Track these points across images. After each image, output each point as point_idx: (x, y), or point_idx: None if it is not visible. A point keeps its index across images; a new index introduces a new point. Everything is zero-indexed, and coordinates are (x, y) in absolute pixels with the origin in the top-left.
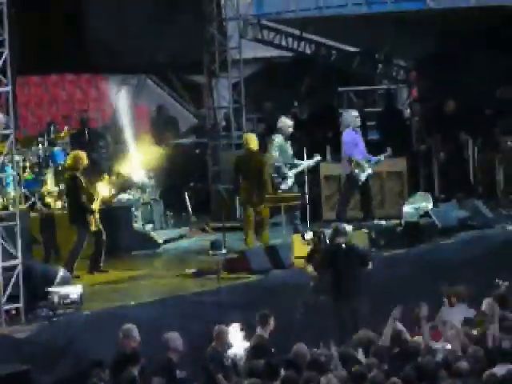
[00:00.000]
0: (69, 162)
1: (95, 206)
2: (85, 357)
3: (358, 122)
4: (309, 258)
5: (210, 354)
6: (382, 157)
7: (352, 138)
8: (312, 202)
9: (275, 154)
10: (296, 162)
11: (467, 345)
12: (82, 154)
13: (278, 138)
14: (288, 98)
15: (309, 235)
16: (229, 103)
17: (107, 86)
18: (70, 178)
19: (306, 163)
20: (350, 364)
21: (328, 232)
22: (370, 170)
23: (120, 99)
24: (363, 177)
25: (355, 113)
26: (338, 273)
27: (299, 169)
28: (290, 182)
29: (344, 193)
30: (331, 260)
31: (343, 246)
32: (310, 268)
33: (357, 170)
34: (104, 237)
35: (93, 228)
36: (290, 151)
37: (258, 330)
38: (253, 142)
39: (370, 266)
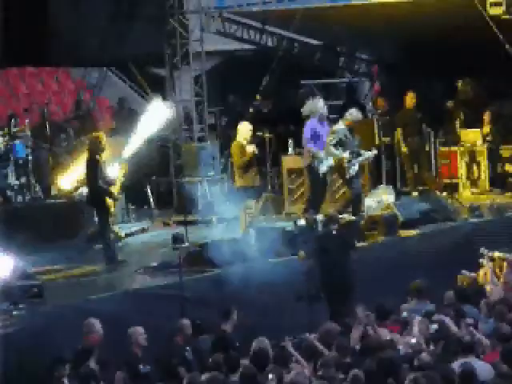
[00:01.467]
0: (88, 144)
1: (115, 189)
2: (47, 351)
3: (324, 111)
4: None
5: (172, 347)
6: (368, 154)
7: (313, 128)
8: (274, 194)
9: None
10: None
11: (429, 338)
12: (102, 135)
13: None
14: (250, 90)
15: (301, 221)
16: (191, 96)
17: (68, 79)
18: (89, 161)
19: (367, 154)
20: (313, 357)
21: (320, 219)
22: (331, 161)
23: None
24: (323, 168)
25: (321, 102)
26: (331, 258)
27: (363, 158)
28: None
29: (309, 185)
30: (324, 246)
31: (334, 232)
32: (302, 254)
33: (316, 162)
34: None
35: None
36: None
37: (222, 324)
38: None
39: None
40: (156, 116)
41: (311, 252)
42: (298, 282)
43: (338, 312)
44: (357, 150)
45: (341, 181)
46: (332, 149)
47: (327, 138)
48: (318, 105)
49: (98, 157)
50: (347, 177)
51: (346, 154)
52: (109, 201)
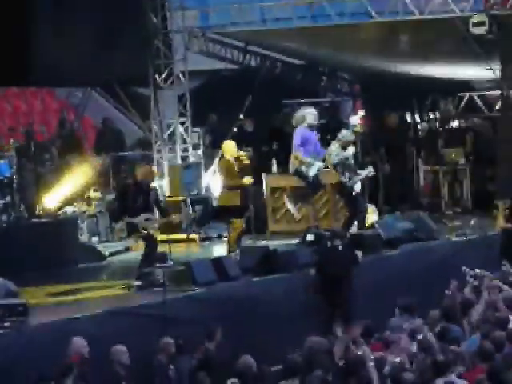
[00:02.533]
0: None
1: None
2: (30, 370)
3: (314, 119)
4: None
5: (155, 366)
6: (365, 173)
7: (302, 135)
8: (256, 214)
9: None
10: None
11: (414, 356)
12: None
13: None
14: (234, 110)
15: (310, 237)
16: (174, 115)
17: (53, 99)
18: None
19: (364, 173)
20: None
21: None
22: (320, 164)
23: None
24: (312, 173)
25: (311, 110)
26: (336, 274)
27: (359, 178)
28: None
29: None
30: (330, 260)
31: (340, 248)
32: (312, 271)
33: (303, 167)
34: None
35: None
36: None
37: (205, 343)
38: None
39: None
40: None
41: (317, 266)
42: (282, 301)
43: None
44: (354, 167)
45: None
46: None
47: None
48: (306, 113)
49: None
50: (353, 194)
51: (346, 176)
52: None
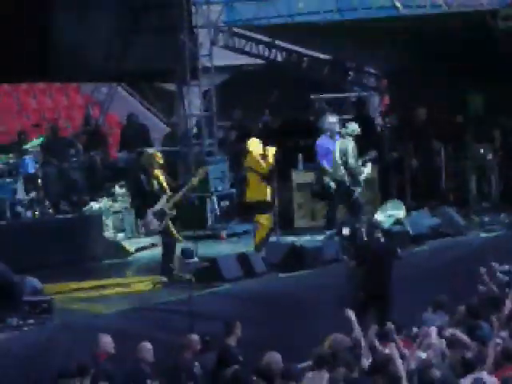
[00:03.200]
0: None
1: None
2: (56, 366)
3: (336, 128)
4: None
5: (180, 363)
6: (365, 158)
7: (322, 145)
8: (283, 209)
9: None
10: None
11: (445, 353)
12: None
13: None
14: (259, 105)
15: (346, 231)
16: (200, 111)
17: (78, 95)
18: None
19: (366, 171)
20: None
21: (363, 228)
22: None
23: None
24: (333, 184)
25: (332, 118)
26: (377, 266)
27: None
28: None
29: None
30: (372, 253)
31: (381, 239)
32: (352, 263)
33: (325, 178)
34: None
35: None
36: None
37: (226, 339)
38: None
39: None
40: None
41: (358, 259)
42: (309, 297)
43: (380, 318)
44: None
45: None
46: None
47: (336, 155)
48: (327, 121)
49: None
50: (359, 180)
51: (357, 165)
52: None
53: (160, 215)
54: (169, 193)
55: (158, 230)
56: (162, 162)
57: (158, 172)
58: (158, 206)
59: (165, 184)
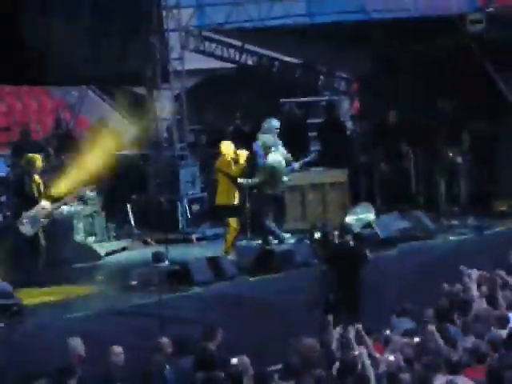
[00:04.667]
0: None
1: None
2: (25, 370)
3: (275, 130)
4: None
5: (152, 366)
6: (299, 164)
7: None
8: (252, 213)
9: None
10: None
11: (410, 356)
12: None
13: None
14: (230, 109)
15: (317, 234)
16: (171, 115)
17: (48, 98)
18: None
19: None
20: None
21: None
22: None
23: None
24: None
25: (275, 122)
26: (347, 269)
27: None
28: None
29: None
30: (341, 256)
31: (351, 243)
32: (323, 266)
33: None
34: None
35: None
36: None
37: (205, 343)
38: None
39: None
40: None
41: (328, 262)
42: (279, 300)
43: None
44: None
45: None
46: None
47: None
48: (265, 125)
49: None
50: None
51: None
52: None
53: (33, 221)
54: (46, 200)
55: (28, 234)
56: (41, 166)
57: (37, 177)
58: (33, 211)
59: (43, 190)
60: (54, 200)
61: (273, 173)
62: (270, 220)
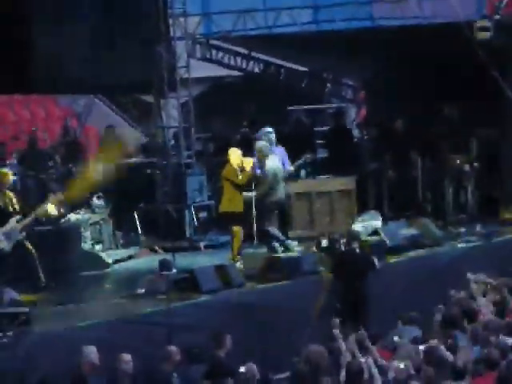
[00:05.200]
0: None
1: None
2: (34, 378)
3: (271, 138)
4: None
5: (159, 375)
6: (294, 166)
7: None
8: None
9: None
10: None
11: (419, 364)
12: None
13: None
14: (237, 117)
15: (324, 242)
16: (178, 123)
17: (55, 107)
18: None
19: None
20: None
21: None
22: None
23: None
24: None
25: (268, 129)
26: (353, 277)
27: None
28: None
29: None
30: (348, 264)
31: (357, 250)
32: (330, 274)
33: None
34: None
35: None
36: None
37: (214, 350)
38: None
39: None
40: None
41: (336, 269)
42: (286, 308)
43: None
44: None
45: None
46: None
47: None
48: (263, 131)
49: None
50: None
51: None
52: None
53: (9, 236)
54: (19, 215)
55: (7, 249)
56: (11, 182)
57: (9, 193)
58: (8, 226)
59: (17, 206)
60: (25, 214)
61: (275, 176)
62: (272, 226)
